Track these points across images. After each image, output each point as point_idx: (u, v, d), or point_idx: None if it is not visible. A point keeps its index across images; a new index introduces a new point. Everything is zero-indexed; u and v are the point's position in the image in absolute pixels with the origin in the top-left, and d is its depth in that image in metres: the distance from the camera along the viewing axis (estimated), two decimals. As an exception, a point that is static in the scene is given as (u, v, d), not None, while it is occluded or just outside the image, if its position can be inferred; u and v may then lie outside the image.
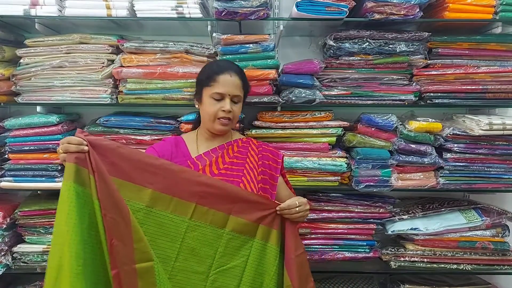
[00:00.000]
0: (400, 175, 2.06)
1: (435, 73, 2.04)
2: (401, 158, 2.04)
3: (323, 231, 2.10)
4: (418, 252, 2.06)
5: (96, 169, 1.26)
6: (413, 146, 2.03)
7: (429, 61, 2.04)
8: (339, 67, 2.04)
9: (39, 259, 2.00)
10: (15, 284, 2.18)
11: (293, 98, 1.97)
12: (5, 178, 2.02)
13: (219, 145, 1.61)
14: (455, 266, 2.06)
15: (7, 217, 2.02)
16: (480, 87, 2.03)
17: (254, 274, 1.42)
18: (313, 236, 2.11)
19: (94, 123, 2.09)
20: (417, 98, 2.07)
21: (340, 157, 2.04)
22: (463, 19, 1.96)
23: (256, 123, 2.06)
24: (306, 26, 2.12)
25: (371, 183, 2.02)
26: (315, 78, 2.01)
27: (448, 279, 2.18)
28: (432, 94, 2.03)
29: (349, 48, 1.98)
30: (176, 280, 1.35)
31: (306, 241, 2.09)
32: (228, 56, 1.98)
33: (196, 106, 1.64)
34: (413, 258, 2.06)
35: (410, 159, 2.04)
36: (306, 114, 2.04)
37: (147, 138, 2.03)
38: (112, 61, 2.02)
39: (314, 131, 2.05)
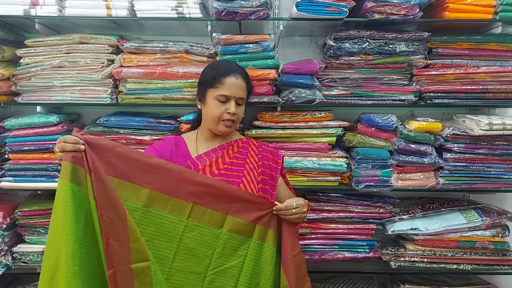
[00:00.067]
0: (400, 175, 2.06)
1: (435, 73, 2.04)
2: (401, 158, 2.04)
3: (323, 231, 2.10)
4: (418, 252, 2.06)
5: (93, 168, 1.25)
6: (413, 146, 2.03)
7: (429, 61, 2.04)
8: (339, 67, 2.04)
9: (39, 259, 2.00)
10: (15, 284, 2.18)
11: (293, 98, 1.97)
12: (5, 178, 2.02)
13: (219, 145, 1.61)
14: (455, 266, 2.06)
15: (7, 217, 2.02)
16: (480, 87, 2.02)
17: (251, 274, 1.42)
18: (313, 236, 2.11)
19: (94, 123, 2.09)
20: (417, 98, 2.07)
21: (340, 157, 2.04)
22: (463, 19, 1.96)
23: (256, 123, 2.05)
24: (306, 26, 2.12)
25: (371, 183, 2.02)
26: (315, 78, 2.01)
27: (448, 279, 2.18)
28: (432, 94, 2.03)
29: (349, 48, 1.98)
30: (174, 281, 1.35)
31: (306, 241, 2.09)
32: (228, 56, 1.98)
33: (199, 106, 1.63)
34: (413, 258, 2.06)
35: (410, 159, 2.04)
36: (306, 114, 2.04)
37: (147, 138, 2.03)
38: (112, 61, 2.02)
39: (314, 131, 2.05)
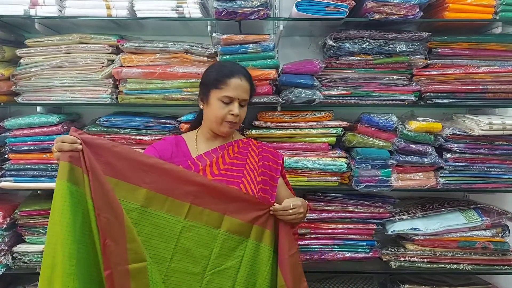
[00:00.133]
0: (400, 175, 2.06)
1: (435, 73, 2.04)
2: (401, 158, 2.04)
3: (323, 231, 2.10)
4: (418, 252, 2.06)
5: (90, 168, 1.25)
6: (413, 146, 2.03)
7: (429, 61, 2.04)
8: (339, 67, 2.04)
9: (39, 259, 2.00)
10: (15, 284, 2.18)
11: (293, 98, 1.97)
12: (5, 178, 2.02)
13: (219, 146, 1.61)
14: (455, 266, 2.06)
15: (7, 217, 2.02)
16: (480, 87, 2.02)
17: (248, 274, 1.42)
18: (313, 236, 2.11)
19: (94, 123, 2.09)
20: (417, 98, 2.07)
21: (340, 157, 2.04)
22: (463, 19, 1.96)
23: (256, 123, 2.05)
24: (306, 26, 2.12)
25: (371, 183, 2.02)
26: (315, 78, 2.01)
27: (448, 279, 2.18)
28: (432, 94, 2.03)
29: (349, 48, 1.98)
30: (172, 281, 1.35)
31: (306, 241, 2.09)
32: (228, 56, 1.97)
33: (201, 106, 1.63)
34: (413, 258, 2.06)
35: (410, 159, 2.04)
36: (306, 114, 2.04)
37: (147, 138, 2.03)
38: (112, 61, 2.02)
39: (314, 131, 2.05)
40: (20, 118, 2.02)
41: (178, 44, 1.99)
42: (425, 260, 2.06)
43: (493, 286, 2.22)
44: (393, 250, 2.08)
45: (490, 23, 2.06)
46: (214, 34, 1.95)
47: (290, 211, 1.42)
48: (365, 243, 2.11)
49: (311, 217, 2.06)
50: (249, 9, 1.85)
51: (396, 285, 2.18)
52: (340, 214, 2.09)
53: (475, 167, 2.05)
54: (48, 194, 2.12)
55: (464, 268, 2.06)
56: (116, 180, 1.31)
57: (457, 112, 2.18)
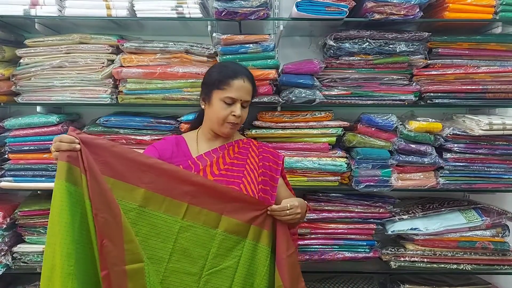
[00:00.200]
0: (400, 175, 2.06)
1: (435, 73, 2.04)
2: (401, 158, 2.04)
3: (323, 231, 2.10)
4: (418, 252, 2.06)
5: (88, 168, 1.25)
6: (413, 146, 2.03)
7: (429, 61, 2.04)
8: (339, 67, 2.04)
9: (39, 259, 2.00)
10: (15, 284, 2.18)
11: (293, 98, 1.97)
12: (5, 178, 2.02)
13: (220, 146, 1.61)
14: (455, 266, 2.06)
15: (7, 217, 2.02)
16: (480, 87, 2.03)
17: (245, 274, 1.42)
18: (313, 236, 2.11)
19: (94, 123, 2.09)
20: (417, 98, 2.07)
21: (340, 157, 2.04)
22: (463, 19, 1.96)
23: (256, 123, 2.05)
24: (306, 26, 2.12)
25: (371, 183, 2.02)
26: (315, 78, 2.01)
27: (448, 279, 2.18)
28: (432, 94, 2.03)
29: (349, 48, 1.98)
30: (169, 282, 1.34)
31: (306, 241, 2.09)
32: (228, 56, 1.97)
33: (202, 106, 1.62)
34: (413, 258, 2.06)
35: (410, 159, 2.04)
36: (306, 114, 2.04)
37: (147, 138, 2.03)
38: (112, 61, 2.02)
39: (314, 131, 2.05)
40: (20, 118, 2.02)
41: (178, 44, 1.99)
42: (425, 260, 2.06)
43: (493, 286, 2.22)
44: (393, 250, 2.08)
45: (490, 23, 2.06)
46: (214, 34, 1.95)
47: (287, 211, 1.42)
48: (365, 243, 2.11)
49: (311, 217, 2.06)
50: (249, 9, 1.85)
51: (396, 285, 2.18)
52: (340, 214, 2.09)
53: (475, 167, 2.05)
54: (48, 194, 2.11)
55: (464, 268, 2.06)
56: (114, 180, 1.30)
57: (457, 112, 2.19)
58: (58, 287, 1.18)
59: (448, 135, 2.02)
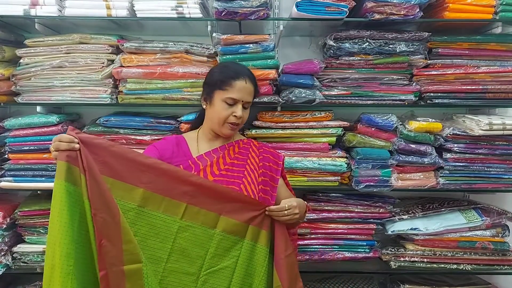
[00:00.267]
0: (400, 175, 2.06)
1: (435, 73, 2.04)
2: (401, 158, 2.04)
3: (323, 231, 2.10)
4: (418, 252, 2.06)
5: (87, 168, 1.25)
6: (413, 146, 2.03)
7: (429, 61, 2.04)
8: (339, 67, 2.04)
9: (39, 259, 2.00)
10: (15, 284, 2.18)
11: (293, 98, 1.97)
12: (5, 178, 2.02)
13: (220, 146, 1.61)
14: (455, 266, 2.06)
15: (7, 217, 2.02)
16: (480, 87, 2.03)
17: (244, 275, 1.42)
18: (313, 236, 2.11)
19: (94, 123, 2.09)
20: (417, 98, 2.07)
21: (340, 157, 2.04)
22: (463, 19, 1.96)
23: (256, 123, 2.05)
24: (306, 26, 2.12)
25: (371, 183, 2.02)
26: (315, 78, 2.01)
27: (448, 279, 2.18)
28: (432, 94, 2.03)
29: (349, 48, 1.98)
30: (168, 282, 1.35)
31: (306, 241, 2.09)
32: (228, 56, 1.97)
33: (204, 106, 1.62)
34: (413, 258, 2.06)
35: (410, 159, 2.04)
36: (306, 114, 2.04)
37: (147, 138, 2.03)
38: (112, 61, 2.02)
39: (314, 131, 2.05)
40: (20, 118, 2.02)
41: (178, 44, 1.99)
42: (425, 260, 2.06)
43: (493, 286, 2.22)
44: (393, 250, 2.08)
45: (490, 23, 2.06)
46: (214, 34, 1.95)
47: (285, 211, 1.42)
48: (365, 243, 2.11)
49: (311, 217, 2.07)
50: (249, 9, 1.85)
51: (396, 285, 2.18)
52: (340, 214, 2.09)
53: (475, 167, 2.05)
54: (48, 194, 2.11)
55: (464, 268, 2.06)
56: (113, 179, 1.30)
57: (457, 112, 2.19)
58: (58, 286, 1.18)
59: (448, 135, 2.02)
